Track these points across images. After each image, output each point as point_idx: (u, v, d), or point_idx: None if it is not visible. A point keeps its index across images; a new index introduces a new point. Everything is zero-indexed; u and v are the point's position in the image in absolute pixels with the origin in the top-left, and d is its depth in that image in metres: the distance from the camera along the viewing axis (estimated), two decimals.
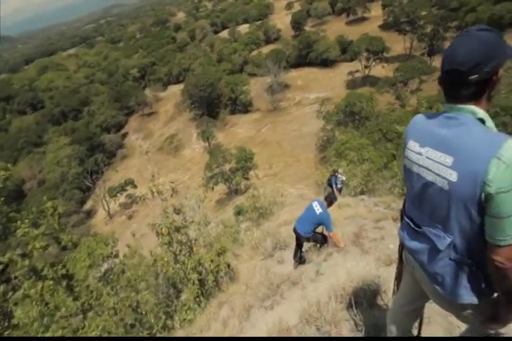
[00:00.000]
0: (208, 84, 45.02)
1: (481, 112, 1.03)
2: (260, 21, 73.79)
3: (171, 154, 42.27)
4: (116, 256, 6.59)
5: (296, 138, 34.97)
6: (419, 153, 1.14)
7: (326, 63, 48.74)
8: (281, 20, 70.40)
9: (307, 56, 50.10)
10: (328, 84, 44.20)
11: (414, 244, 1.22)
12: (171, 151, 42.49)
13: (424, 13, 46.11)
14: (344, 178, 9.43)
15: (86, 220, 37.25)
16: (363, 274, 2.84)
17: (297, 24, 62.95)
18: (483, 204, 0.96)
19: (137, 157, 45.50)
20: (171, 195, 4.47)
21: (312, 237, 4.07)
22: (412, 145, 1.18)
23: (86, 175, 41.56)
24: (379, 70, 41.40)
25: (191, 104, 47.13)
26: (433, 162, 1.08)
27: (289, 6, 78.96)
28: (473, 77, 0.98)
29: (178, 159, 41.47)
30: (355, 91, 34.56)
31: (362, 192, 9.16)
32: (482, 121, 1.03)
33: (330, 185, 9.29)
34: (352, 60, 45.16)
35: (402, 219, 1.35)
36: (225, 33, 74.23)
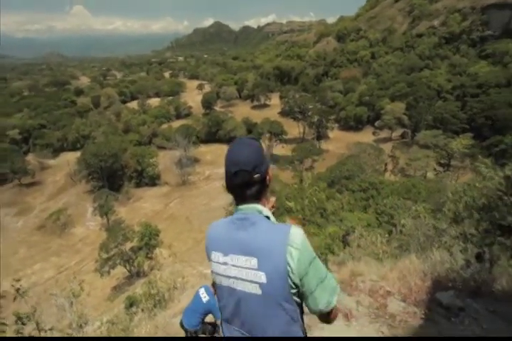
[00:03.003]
0: (111, 154, 44.08)
1: (265, 210, 1.23)
2: (171, 97, 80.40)
3: (56, 234, 36.70)
4: None
5: (205, 213, 35.84)
6: (225, 263, 1.19)
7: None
8: (193, 99, 78.76)
9: (216, 133, 55.91)
10: None
11: None
12: (56, 230, 36.96)
13: (311, 106, 59.04)
14: None
15: None
16: None
17: (208, 103, 71.57)
18: (296, 291, 1.13)
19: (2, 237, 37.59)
20: (14, 299, 3.67)
21: (200, 329, 4.17)
22: (216, 256, 1.23)
23: None
24: (280, 149, 48.87)
25: (89, 174, 44.33)
26: (240, 269, 1.14)
27: (200, 87, 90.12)
28: (256, 175, 1.18)
29: (65, 239, 36.14)
30: None
31: None
32: (268, 218, 1.22)
33: None
34: None
35: None
36: (133, 104, 77.31)
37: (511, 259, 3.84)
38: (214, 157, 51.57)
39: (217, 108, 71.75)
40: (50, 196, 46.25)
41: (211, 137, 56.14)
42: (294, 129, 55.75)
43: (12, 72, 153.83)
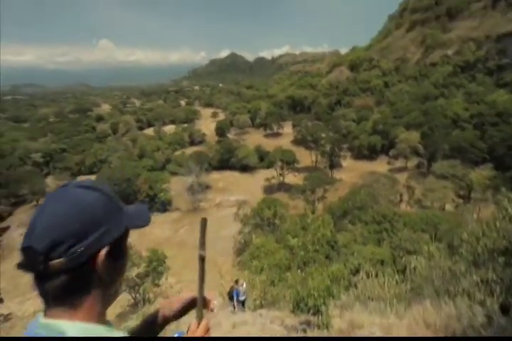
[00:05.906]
0: (125, 179, 45.00)
1: (77, 329, 0.65)
2: (186, 124, 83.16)
3: None
4: None
5: (214, 241, 35.23)
6: None
7: (245, 168, 55.63)
8: (207, 126, 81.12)
9: (229, 160, 56.64)
10: (248, 188, 49.03)
11: None
12: None
13: (323, 135, 59.54)
14: (245, 288, 9.48)
15: None
16: None
17: (221, 131, 73.40)
18: None
19: (17, 258, 37.55)
20: None
21: None
22: None
23: None
24: (291, 178, 48.78)
25: None
26: None
27: (214, 115, 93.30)
28: (55, 261, 0.64)
29: None
30: (270, 196, 39.07)
31: (261, 305, 9.11)
32: None
33: (231, 298, 9.37)
34: (268, 167, 52.92)
35: None
36: (150, 131, 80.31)
37: None
38: (226, 184, 51.80)
39: (230, 135, 73.40)
40: None
41: (224, 164, 56.91)
42: (306, 158, 55.95)
43: (41, 100, 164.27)
